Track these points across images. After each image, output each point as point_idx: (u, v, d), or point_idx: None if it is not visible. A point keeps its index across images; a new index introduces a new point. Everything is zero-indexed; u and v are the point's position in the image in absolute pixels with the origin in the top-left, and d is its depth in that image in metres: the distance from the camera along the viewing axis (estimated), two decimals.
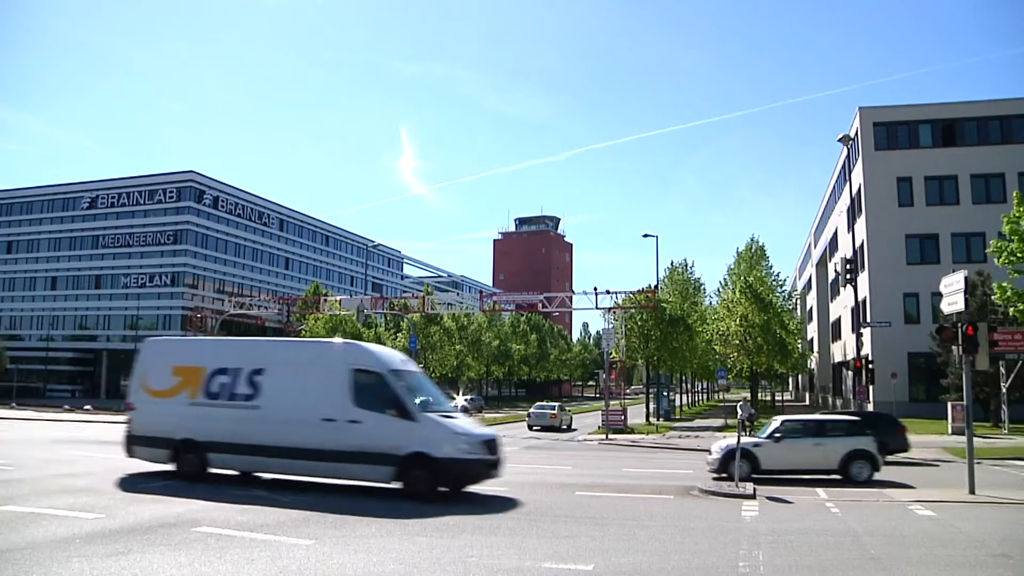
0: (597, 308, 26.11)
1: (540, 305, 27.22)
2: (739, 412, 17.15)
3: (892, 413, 15.89)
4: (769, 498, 8.36)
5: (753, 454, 9.98)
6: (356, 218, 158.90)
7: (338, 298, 31.44)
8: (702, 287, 36.03)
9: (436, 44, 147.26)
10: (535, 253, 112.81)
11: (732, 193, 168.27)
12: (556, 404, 24.49)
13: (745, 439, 10.23)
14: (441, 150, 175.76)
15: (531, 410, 23.69)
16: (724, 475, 10.01)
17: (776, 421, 10.50)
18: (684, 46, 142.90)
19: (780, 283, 32.44)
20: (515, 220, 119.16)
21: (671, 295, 32.06)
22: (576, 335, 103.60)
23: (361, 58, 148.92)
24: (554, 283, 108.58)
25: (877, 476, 10.07)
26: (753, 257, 33.81)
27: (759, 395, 35.70)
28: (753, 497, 8.41)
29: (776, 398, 43.39)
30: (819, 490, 9.27)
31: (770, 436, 10.24)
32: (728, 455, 10.01)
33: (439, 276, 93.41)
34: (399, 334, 44.20)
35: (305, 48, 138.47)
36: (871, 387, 19.86)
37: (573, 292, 28.48)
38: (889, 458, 11.43)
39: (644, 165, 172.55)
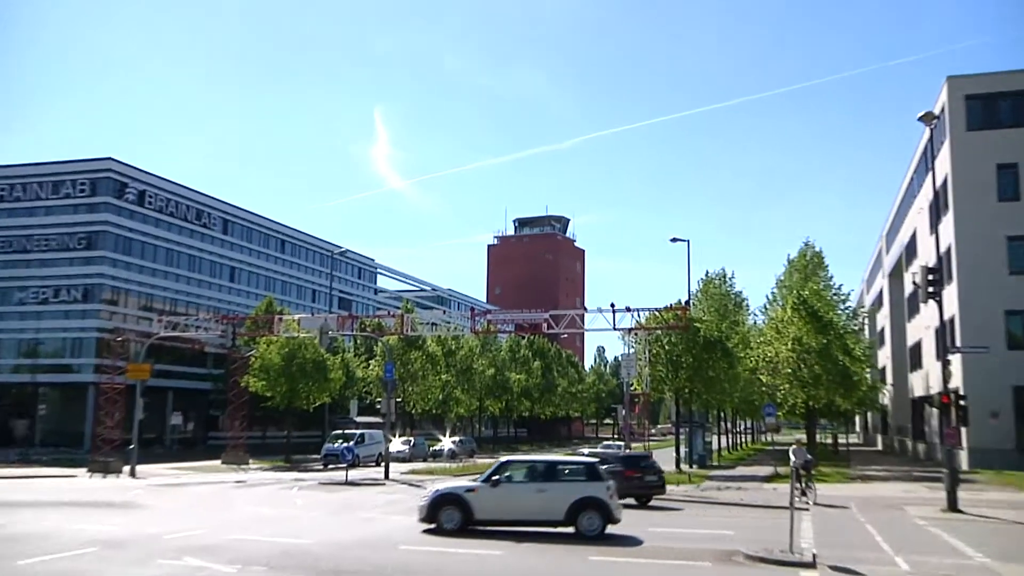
0: (615, 329, 26.21)
1: (545, 325, 27.38)
2: (792, 458, 16.76)
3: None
4: (834, 568, 8.03)
5: (465, 501, 10.02)
6: (319, 219, 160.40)
7: (296, 317, 31.42)
8: (744, 303, 36.20)
9: (415, 11, 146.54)
10: (539, 261, 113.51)
11: (781, 187, 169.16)
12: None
13: (455, 483, 10.53)
14: (422, 137, 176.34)
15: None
16: (433, 524, 10.19)
17: (499, 462, 10.53)
18: (717, 4, 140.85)
19: (842, 298, 31.83)
20: (514, 221, 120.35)
21: (706, 313, 32.20)
22: (589, 362, 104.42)
23: (327, 28, 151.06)
24: (562, 298, 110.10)
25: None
26: (808, 266, 33.47)
27: (817, 437, 35.18)
28: (813, 566, 8.12)
29: (839, 441, 42.19)
30: (899, 559, 8.73)
31: (487, 480, 10.22)
32: (437, 501, 10.08)
33: (421, 290, 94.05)
34: (371, 361, 44.23)
35: (257, 15, 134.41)
36: (963, 429, 18.92)
37: (586, 309, 28.72)
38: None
39: (672, 154, 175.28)
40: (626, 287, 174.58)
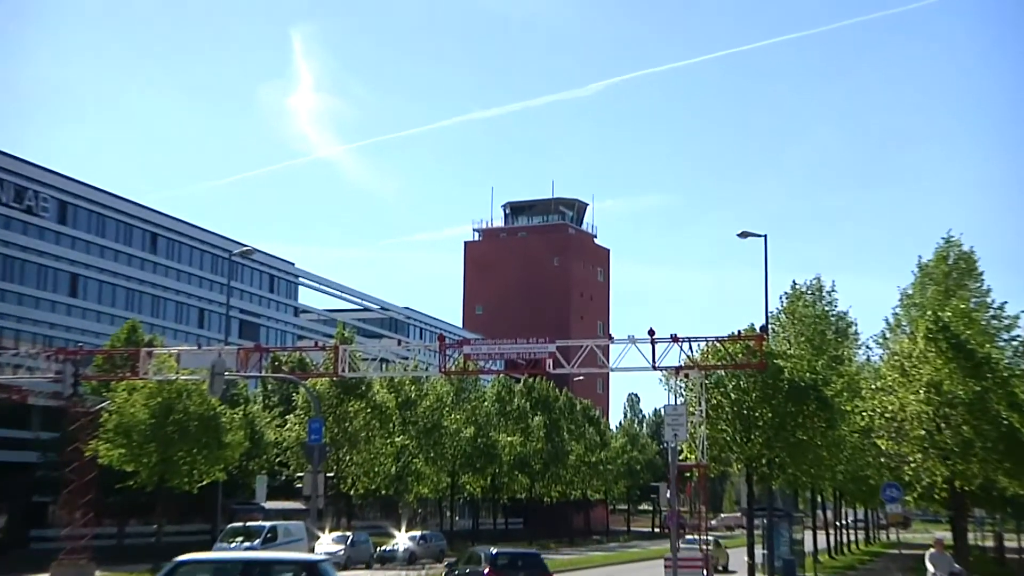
0: (655, 368, 26.46)
1: (550, 362, 27.37)
2: (929, 569, 16.40)
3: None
4: None
5: None
6: (210, 203, 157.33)
7: (174, 350, 31.17)
8: (852, 329, 36.37)
9: None
10: (540, 267, 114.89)
11: (902, 157, 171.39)
12: None
13: None
14: (366, 80, 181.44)
15: None
16: None
17: (170, 565, 10.26)
18: None
19: (1006, 322, 29.64)
20: (504, 207, 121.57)
21: (793, 344, 32.23)
22: (617, 417, 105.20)
23: None
24: (576, 321, 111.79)
25: None
26: (952, 274, 31.94)
27: (970, 537, 34.68)
28: None
29: (1005, 544, 40.00)
30: None
31: None
32: None
33: (366, 309, 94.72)
34: (289, 417, 44.07)
35: None
36: None
37: (611, 338, 28.64)
38: None
39: (735, 107, 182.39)
40: (671, 306, 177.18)
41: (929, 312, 28.08)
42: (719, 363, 27.55)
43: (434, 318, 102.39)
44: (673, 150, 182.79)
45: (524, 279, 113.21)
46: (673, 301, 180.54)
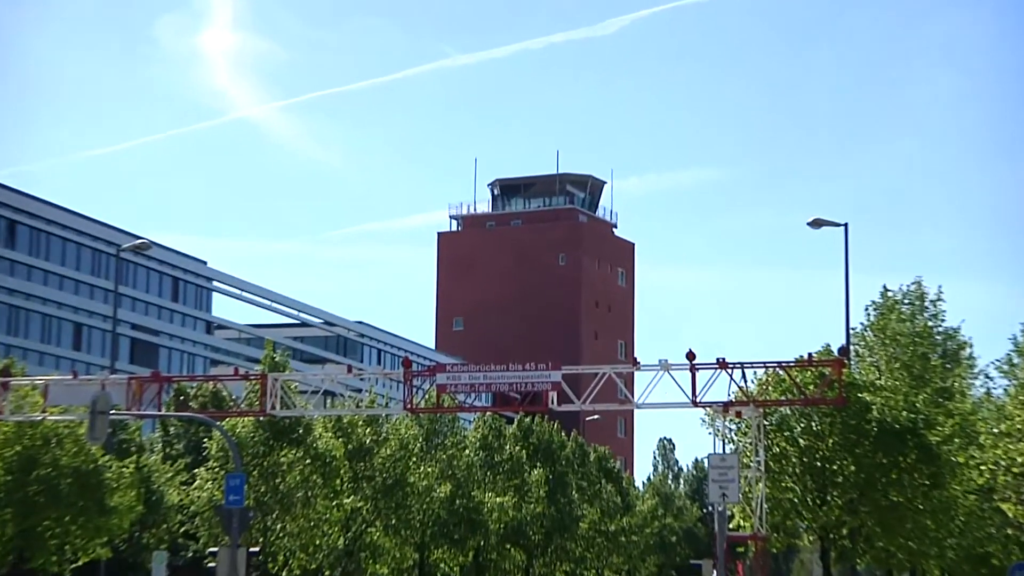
0: (696, 404, 27.09)
1: (554, 396, 27.88)
2: None
3: None
4: None
5: None
6: (90, 179, 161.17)
7: (39, 381, 31.37)
8: (966, 352, 36.42)
9: None
10: (540, 266, 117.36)
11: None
12: None
13: None
14: (302, 10, 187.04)
15: None
16: None
17: None
18: None
19: None
20: (492, 186, 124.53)
21: (884, 372, 32.16)
22: (644, 471, 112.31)
23: None
24: (588, 340, 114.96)
25: None
26: None
27: None
28: None
29: None
30: None
31: None
32: None
33: (304, 325, 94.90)
34: (199, 470, 43.73)
35: None
36: None
37: (636, 363, 29.28)
38: None
39: (806, 47, 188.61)
40: (718, 319, 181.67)
41: None
42: (783, 398, 27.76)
43: (397, 336, 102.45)
44: (719, 108, 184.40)
45: (519, 283, 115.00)
46: (720, 313, 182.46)
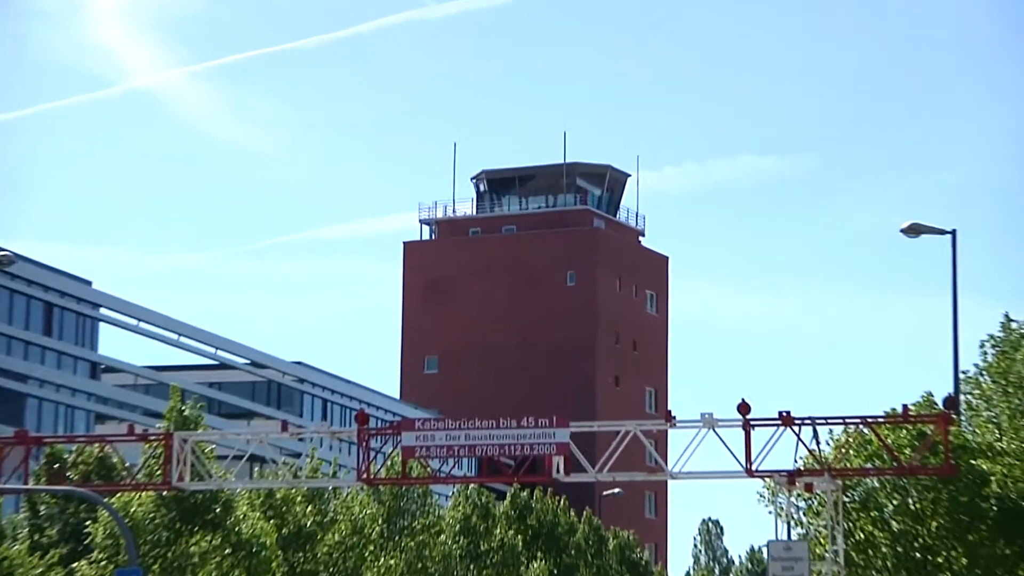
0: (752, 474, 27.36)
1: (559, 463, 28.16)
2: None
3: None
4: None
5: None
6: None
7: None
8: None
9: None
10: (542, 286, 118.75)
11: None
12: None
13: None
14: None
15: None
16: None
17: None
18: None
19: None
20: (477, 180, 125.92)
21: (1007, 431, 31.78)
22: (681, 563, 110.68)
23: None
24: (607, 387, 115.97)
25: None
26: None
27: None
28: None
29: None
30: None
31: None
32: None
33: (223, 367, 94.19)
34: (79, 564, 43.24)
35: None
36: None
37: (670, 419, 28.97)
38: None
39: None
40: (779, 357, 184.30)
41: None
42: (869, 465, 27.99)
43: (348, 382, 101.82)
44: (780, 76, 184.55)
45: (512, 311, 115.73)
46: (784, 350, 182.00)
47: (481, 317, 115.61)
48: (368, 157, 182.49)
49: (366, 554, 52.22)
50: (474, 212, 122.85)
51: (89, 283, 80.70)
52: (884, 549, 28.61)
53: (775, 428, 27.04)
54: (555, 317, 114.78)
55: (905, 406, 28.07)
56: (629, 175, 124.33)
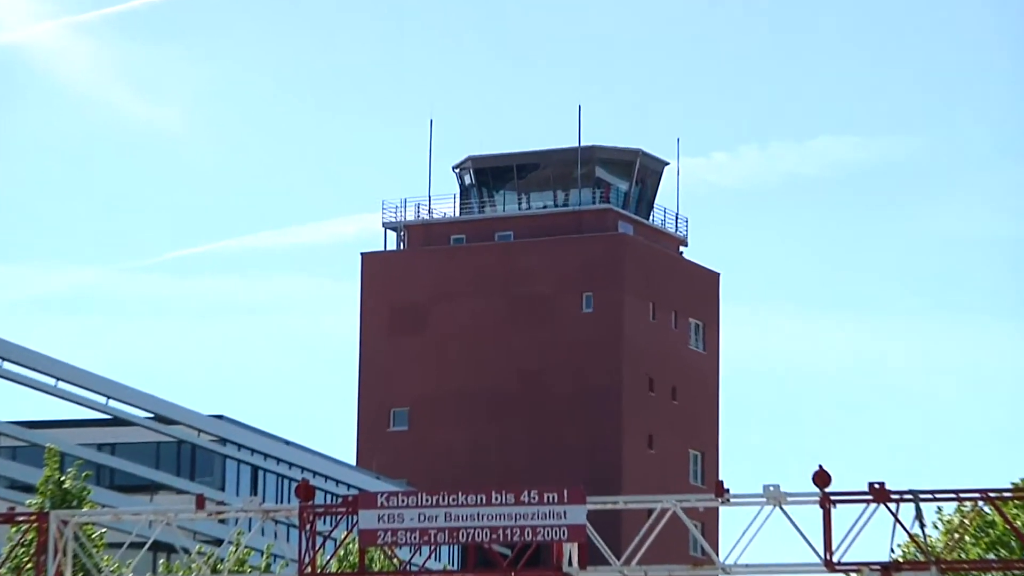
0: (834, 569, 27.36)
1: (571, 552, 28.38)
2: None
3: None
4: None
5: None
6: None
7: None
8: None
9: None
10: (551, 311, 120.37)
11: None
12: None
13: None
14: None
15: None
16: None
17: None
18: None
19: None
20: (461, 170, 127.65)
21: None
22: None
23: None
24: (635, 450, 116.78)
25: None
26: None
27: None
28: None
29: None
30: None
31: None
32: None
33: (115, 423, 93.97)
34: None
35: None
36: None
37: (723, 493, 28.72)
38: None
39: None
40: (870, 411, 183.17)
41: None
42: (991, 556, 28.45)
43: (287, 442, 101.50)
44: (867, 29, 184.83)
45: (509, 346, 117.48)
46: (873, 398, 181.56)
47: (466, 355, 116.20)
48: (313, 139, 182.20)
49: None
50: (456, 213, 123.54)
51: None
52: None
53: (864, 505, 26.96)
54: (567, 355, 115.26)
55: None
56: (667, 163, 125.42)
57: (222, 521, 58.25)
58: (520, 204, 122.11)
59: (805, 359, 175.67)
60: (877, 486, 27.06)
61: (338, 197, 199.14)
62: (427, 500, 30.80)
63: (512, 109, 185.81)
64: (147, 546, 38.18)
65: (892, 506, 27.06)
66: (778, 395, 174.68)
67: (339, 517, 29.72)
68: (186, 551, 52.06)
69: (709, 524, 36.88)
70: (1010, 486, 28.48)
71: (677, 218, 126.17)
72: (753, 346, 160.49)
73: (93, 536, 33.98)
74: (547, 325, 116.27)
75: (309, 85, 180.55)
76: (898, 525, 27.05)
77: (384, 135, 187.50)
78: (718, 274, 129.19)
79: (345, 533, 29.48)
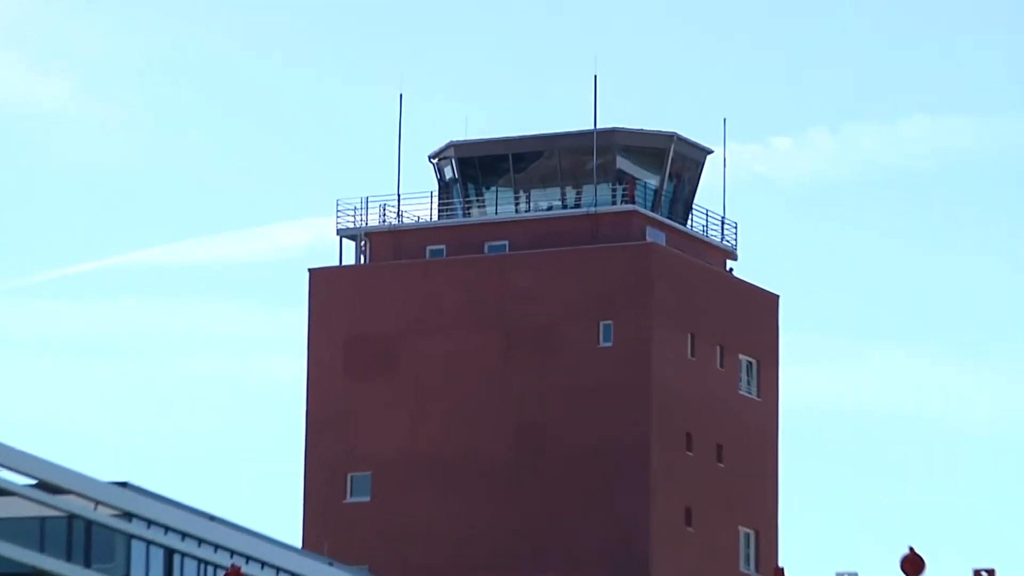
0: None
1: None
2: None
3: None
4: None
5: None
6: None
7: None
8: None
9: None
10: (558, 346, 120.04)
11: None
12: None
13: None
14: None
15: None
16: None
17: None
18: None
19: None
20: (439, 162, 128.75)
21: None
22: None
23: None
24: (668, 526, 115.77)
25: None
26: None
27: None
28: None
29: None
30: None
31: None
32: None
33: None
34: None
35: None
36: None
37: None
38: None
39: None
40: (969, 475, 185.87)
41: None
42: None
43: (213, 518, 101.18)
44: None
45: (503, 391, 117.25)
46: (982, 460, 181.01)
47: (447, 405, 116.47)
48: (243, 120, 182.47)
49: None
50: (434, 217, 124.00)
51: None
52: None
53: None
54: (579, 405, 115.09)
55: None
56: (710, 151, 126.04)
57: None
58: (517, 205, 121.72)
59: (892, 408, 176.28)
60: (984, 573, 26.86)
61: (279, 196, 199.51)
62: None
63: (507, 81, 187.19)
64: None
65: None
66: (855, 454, 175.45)
67: None
68: None
69: None
70: None
71: (723, 223, 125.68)
72: (823, 391, 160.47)
73: None
74: (553, 365, 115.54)
75: (240, 49, 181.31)
76: None
77: (340, 114, 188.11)
78: (777, 296, 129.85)
79: None
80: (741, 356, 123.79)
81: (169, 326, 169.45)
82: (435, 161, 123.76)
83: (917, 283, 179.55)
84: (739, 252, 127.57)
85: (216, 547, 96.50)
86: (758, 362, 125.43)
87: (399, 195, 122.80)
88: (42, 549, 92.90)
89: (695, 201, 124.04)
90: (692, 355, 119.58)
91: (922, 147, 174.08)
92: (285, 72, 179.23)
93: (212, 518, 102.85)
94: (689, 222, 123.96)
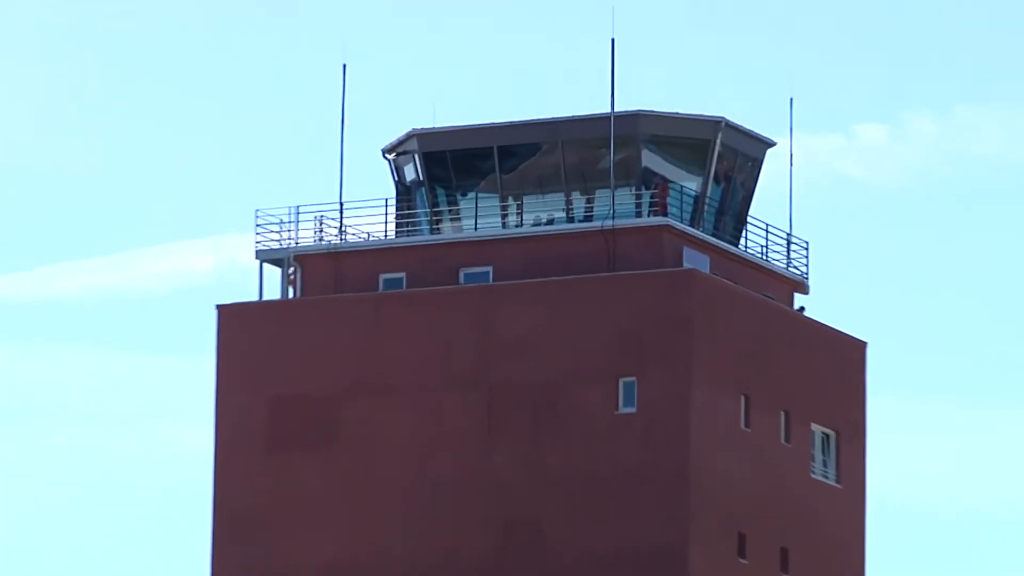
0: None
1: None
2: None
3: None
4: None
5: None
6: None
7: None
8: None
9: None
10: (569, 418, 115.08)
11: None
12: None
13: None
14: None
15: None
16: None
17: None
18: None
19: None
20: (397, 158, 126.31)
21: None
22: None
23: None
24: None
25: None
26: None
27: None
28: None
29: None
30: None
31: None
32: None
33: None
34: None
35: None
36: None
37: None
38: None
39: None
40: None
41: None
42: None
43: None
44: None
45: (484, 473, 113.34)
46: None
47: (410, 492, 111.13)
48: (141, 108, 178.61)
49: None
50: (390, 234, 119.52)
51: None
52: None
53: None
54: (591, 492, 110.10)
55: None
56: (771, 144, 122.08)
57: None
58: (505, 218, 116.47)
59: (1016, 493, 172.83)
60: None
61: (181, 206, 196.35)
62: None
63: (490, 49, 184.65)
64: None
65: None
66: (966, 553, 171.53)
67: None
68: None
69: None
70: None
71: (789, 243, 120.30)
72: (926, 473, 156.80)
73: None
74: (554, 440, 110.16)
75: (136, 19, 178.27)
76: None
77: (261, 93, 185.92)
78: (865, 344, 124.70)
79: None
80: (814, 426, 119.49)
81: (17, 382, 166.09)
82: (392, 157, 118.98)
83: None
84: (811, 283, 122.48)
85: None
86: (838, 434, 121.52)
87: (341, 203, 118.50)
88: None
89: (751, 212, 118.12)
90: (746, 425, 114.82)
91: None
92: (187, 43, 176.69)
93: None
94: (742, 241, 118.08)
